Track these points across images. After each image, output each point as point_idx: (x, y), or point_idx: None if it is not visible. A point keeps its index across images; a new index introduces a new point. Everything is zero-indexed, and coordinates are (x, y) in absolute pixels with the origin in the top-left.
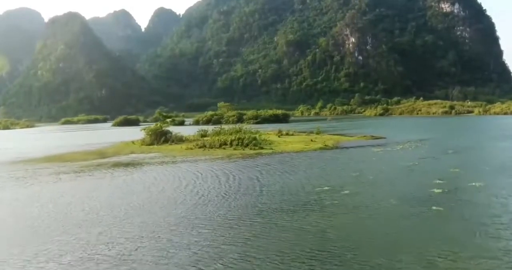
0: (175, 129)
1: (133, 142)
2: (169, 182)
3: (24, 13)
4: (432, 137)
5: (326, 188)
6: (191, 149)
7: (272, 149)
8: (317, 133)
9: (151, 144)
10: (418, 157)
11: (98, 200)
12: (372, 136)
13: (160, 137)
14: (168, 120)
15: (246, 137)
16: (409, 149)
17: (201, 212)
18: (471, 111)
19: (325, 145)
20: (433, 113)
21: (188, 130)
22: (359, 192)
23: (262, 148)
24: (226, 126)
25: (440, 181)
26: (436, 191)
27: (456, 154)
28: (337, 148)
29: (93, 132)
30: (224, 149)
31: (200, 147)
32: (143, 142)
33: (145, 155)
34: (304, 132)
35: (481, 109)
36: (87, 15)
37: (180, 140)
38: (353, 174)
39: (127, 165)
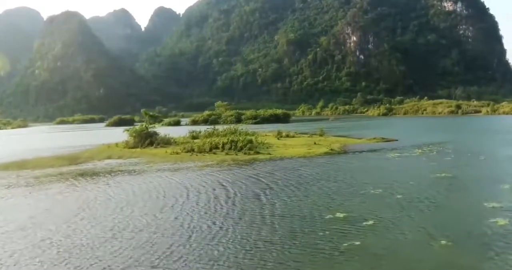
0: (169, 130)
1: (116, 144)
2: (140, 202)
3: (23, 12)
4: (450, 140)
5: (340, 215)
6: (177, 153)
7: (269, 154)
8: (320, 135)
9: (135, 146)
10: (446, 165)
11: (25, 238)
12: (383, 138)
13: (145, 139)
14: (162, 120)
15: (241, 139)
16: (431, 154)
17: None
18: (479, 111)
19: (331, 149)
20: (439, 113)
21: (182, 131)
22: (388, 223)
23: (258, 153)
24: (220, 127)
25: (496, 205)
26: (500, 222)
27: (491, 161)
28: (345, 152)
29: (83, 132)
30: (214, 153)
31: (187, 151)
32: (126, 145)
33: (123, 161)
34: (306, 133)
35: (489, 109)
36: (87, 14)
37: (167, 142)
38: (373, 191)
39: (96, 174)
